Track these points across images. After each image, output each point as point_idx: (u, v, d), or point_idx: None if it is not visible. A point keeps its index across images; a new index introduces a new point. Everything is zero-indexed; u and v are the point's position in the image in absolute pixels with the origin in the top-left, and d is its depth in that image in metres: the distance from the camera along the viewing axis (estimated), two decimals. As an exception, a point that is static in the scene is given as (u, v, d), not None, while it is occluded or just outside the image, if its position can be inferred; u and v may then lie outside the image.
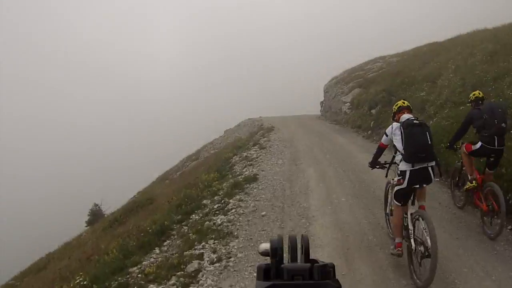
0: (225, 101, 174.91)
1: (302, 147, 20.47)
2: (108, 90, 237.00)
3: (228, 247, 9.54)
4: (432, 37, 34.92)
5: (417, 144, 6.48)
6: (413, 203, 6.98)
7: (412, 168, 6.51)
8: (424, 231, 6.23)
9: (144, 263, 9.67)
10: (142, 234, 11.57)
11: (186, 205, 13.40)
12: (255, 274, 2.53)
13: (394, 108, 7.34)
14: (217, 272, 8.40)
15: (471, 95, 8.77)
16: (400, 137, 6.69)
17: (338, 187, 12.81)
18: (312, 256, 1.18)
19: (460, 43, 25.21)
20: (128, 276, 9.17)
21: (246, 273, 8.18)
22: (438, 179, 10.36)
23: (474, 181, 8.33)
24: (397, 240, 6.99)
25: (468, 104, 9.42)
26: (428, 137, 6.54)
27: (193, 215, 12.38)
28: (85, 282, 9.48)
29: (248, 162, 17.84)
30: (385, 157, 8.01)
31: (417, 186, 6.70)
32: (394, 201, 7.05)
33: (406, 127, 6.60)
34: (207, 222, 11.15)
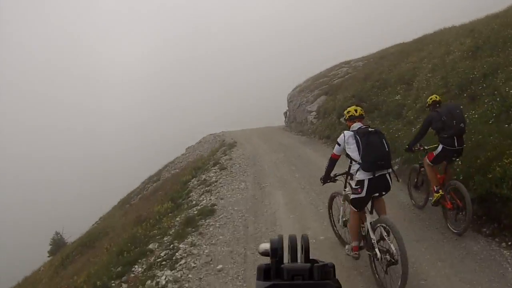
0: (187, 116, 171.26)
1: (267, 164, 17.98)
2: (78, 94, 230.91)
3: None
4: (396, 39, 32.80)
5: (376, 152, 6.24)
6: (371, 212, 6.67)
7: (370, 177, 6.25)
8: (387, 238, 6.03)
9: None
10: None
11: (129, 252, 10.82)
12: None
13: (345, 115, 6.95)
14: None
15: (428, 99, 8.88)
16: (356, 146, 6.38)
17: (312, 218, 10.15)
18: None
19: (429, 42, 23.52)
20: None
21: None
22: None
23: (440, 191, 8.23)
24: (354, 243, 6.87)
25: (426, 109, 9.33)
26: (385, 143, 6.34)
27: (137, 266, 9.79)
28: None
29: (206, 188, 15.20)
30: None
31: (377, 194, 6.45)
32: (352, 207, 6.70)
33: (362, 135, 6.31)
34: (148, 281, 8.41)
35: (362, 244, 6.86)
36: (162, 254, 9.68)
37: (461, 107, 8.92)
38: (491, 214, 7.85)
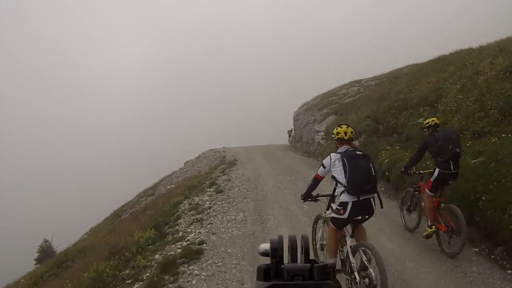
0: (189, 131, 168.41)
1: (270, 190, 15.43)
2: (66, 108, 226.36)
3: None
4: (406, 60, 30.51)
5: (363, 176, 6.05)
6: (352, 236, 6.46)
7: (354, 200, 6.05)
8: (367, 263, 5.84)
9: None
10: None
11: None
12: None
13: (334, 135, 6.58)
14: None
15: (426, 121, 8.81)
16: (342, 168, 6.13)
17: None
18: None
19: (449, 62, 21.06)
20: None
21: None
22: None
23: (433, 227, 8.19)
24: (332, 260, 6.54)
25: (425, 132, 8.99)
26: (372, 168, 6.14)
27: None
28: None
29: (197, 216, 12.59)
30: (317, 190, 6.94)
31: (359, 217, 6.25)
32: (331, 224, 6.48)
33: (350, 158, 6.08)
34: None
35: (340, 268, 6.63)
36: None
37: (457, 132, 9.15)
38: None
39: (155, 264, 9.05)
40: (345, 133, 6.41)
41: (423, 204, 8.72)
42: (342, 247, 6.60)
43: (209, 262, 8.69)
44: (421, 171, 8.97)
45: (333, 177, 6.33)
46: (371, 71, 32.72)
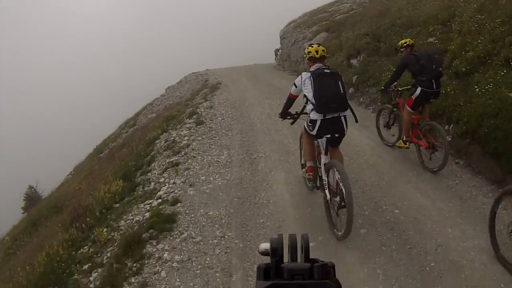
0: (172, 56, 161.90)
1: (258, 117, 13.36)
2: (41, 51, 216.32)
3: None
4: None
5: (328, 94, 5.91)
6: (326, 153, 6.30)
7: (323, 118, 5.96)
8: (338, 181, 5.76)
9: None
10: None
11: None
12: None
13: (306, 55, 6.45)
14: None
15: (402, 42, 8.69)
16: (310, 87, 6.02)
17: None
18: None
19: None
20: None
21: None
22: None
23: (407, 143, 8.48)
24: (308, 164, 6.76)
25: (400, 51, 8.81)
26: (341, 86, 6.00)
27: None
28: None
29: (173, 158, 10.36)
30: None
31: (329, 135, 6.14)
32: (304, 129, 6.48)
33: (317, 76, 5.97)
34: None
35: (318, 184, 6.75)
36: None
37: (440, 52, 9.34)
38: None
39: (118, 237, 6.97)
40: (317, 51, 6.34)
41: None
42: (319, 164, 6.54)
43: (183, 235, 6.49)
44: (399, 88, 8.94)
45: (304, 96, 6.26)
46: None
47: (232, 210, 7.14)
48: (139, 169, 10.69)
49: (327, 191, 6.18)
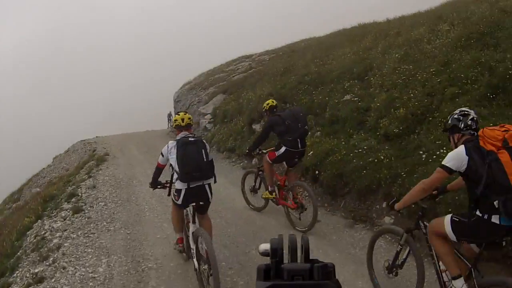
0: (61, 120, 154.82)
1: (148, 201, 10.68)
2: None
3: None
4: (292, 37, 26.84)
5: (192, 163, 5.80)
6: (193, 222, 6.08)
7: (187, 187, 5.83)
8: (206, 249, 5.58)
9: None
10: None
11: None
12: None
13: (173, 123, 6.51)
14: None
15: (265, 104, 8.44)
16: (175, 156, 5.91)
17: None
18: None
19: (363, 33, 17.65)
20: None
21: None
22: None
23: (274, 193, 8.22)
24: (178, 235, 6.70)
25: (264, 114, 8.91)
26: (204, 154, 5.91)
27: None
28: None
29: (38, 268, 7.33)
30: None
31: (193, 204, 6.00)
32: (172, 200, 6.37)
33: (181, 145, 5.86)
34: None
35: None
36: None
37: (303, 110, 8.94)
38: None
39: None
40: (182, 119, 6.31)
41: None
42: (188, 233, 6.37)
43: None
44: (263, 151, 8.45)
45: (171, 165, 6.18)
46: (259, 48, 27.99)
47: None
48: (1, 276, 7.70)
49: (195, 260, 6.00)
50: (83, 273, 6.84)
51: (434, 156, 6.86)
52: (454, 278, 3.99)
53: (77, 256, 7.56)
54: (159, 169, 6.55)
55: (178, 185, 5.99)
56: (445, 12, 13.83)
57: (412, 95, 9.21)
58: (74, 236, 8.59)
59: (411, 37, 12.64)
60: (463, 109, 4.16)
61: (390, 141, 8.74)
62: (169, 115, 30.17)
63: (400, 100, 9.33)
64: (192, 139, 6.01)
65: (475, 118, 3.97)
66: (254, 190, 9.24)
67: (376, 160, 8.01)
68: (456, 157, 3.66)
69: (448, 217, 3.93)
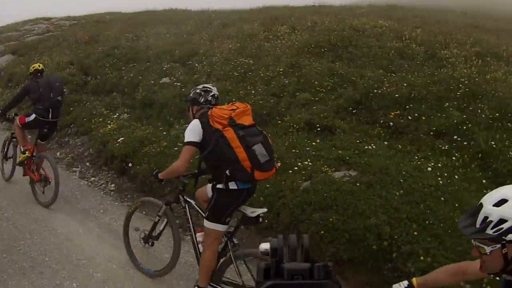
0: None
1: None
2: None
3: None
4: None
5: None
6: None
7: None
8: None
9: None
10: None
11: None
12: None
13: None
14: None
15: (30, 68, 7.92)
16: None
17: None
18: None
19: (176, 16, 17.68)
20: None
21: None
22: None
23: (27, 152, 7.64)
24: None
25: (29, 77, 8.03)
26: None
27: None
28: None
29: None
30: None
31: None
32: None
33: None
34: None
35: None
36: None
37: (61, 80, 8.68)
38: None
39: None
40: None
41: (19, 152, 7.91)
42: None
43: None
44: (18, 114, 7.92)
45: None
46: (59, 12, 25.11)
47: None
48: None
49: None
50: None
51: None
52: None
53: None
54: None
55: None
56: (281, 15, 13.98)
57: (253, 91, 8.47)
58: None
59: (245, 31, 12.18)
60: (206, 85, 4.55)
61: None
62: None
63: (235, 95, 8.46)
64: None
65: (216, 95, 4.38)
66: (5, 157, 8.65)
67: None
68: (194, 129, 3.94)
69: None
